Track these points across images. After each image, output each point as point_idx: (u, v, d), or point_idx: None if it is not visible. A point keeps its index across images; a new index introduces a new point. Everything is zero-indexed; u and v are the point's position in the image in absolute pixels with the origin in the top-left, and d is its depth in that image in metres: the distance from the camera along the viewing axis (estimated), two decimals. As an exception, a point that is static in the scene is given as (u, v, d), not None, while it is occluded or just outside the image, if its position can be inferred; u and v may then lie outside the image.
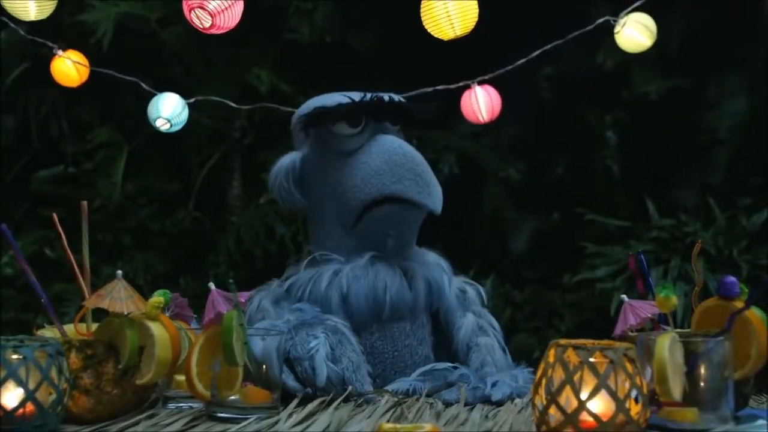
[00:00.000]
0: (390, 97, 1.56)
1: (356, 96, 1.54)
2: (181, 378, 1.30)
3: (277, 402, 1.28)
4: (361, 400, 1.36)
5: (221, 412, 1.24)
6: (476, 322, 1.55)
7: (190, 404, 1.32)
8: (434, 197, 1.51)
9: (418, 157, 1.53)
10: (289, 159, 1.56)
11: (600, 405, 1.08)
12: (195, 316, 1.45)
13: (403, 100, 1.61)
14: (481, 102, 1.76)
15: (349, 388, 1.37)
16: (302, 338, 1.39)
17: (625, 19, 1.67)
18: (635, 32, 1.66)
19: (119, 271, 1.26)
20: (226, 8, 1.51)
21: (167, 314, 1.30)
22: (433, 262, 1.56)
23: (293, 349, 1.38)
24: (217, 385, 1.24)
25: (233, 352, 1.21)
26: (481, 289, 1.61)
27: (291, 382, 1.37)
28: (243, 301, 1.27)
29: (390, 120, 1.58)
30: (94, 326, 1.28)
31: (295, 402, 1.32)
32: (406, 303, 1.50)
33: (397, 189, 1.48)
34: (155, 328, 1.23)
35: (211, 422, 1.22)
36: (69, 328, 1.30)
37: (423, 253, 1.57)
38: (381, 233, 1.51)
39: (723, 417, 1.16)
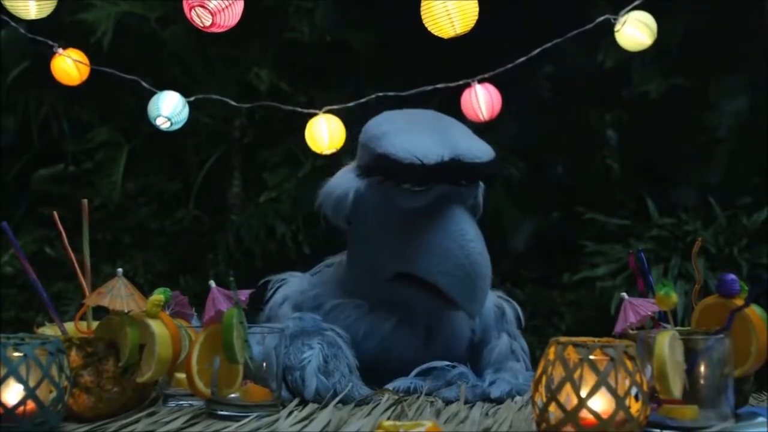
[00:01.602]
0: (470, 152, 1.44)
1: (431, 152, 1.40)
2: (181, 376, 1.30)
3: (278, 400, 1.28)
4: (362, 398, 1.36)
5: (221, 410, 1.24)
6: (510, 345, 1.53)
7: (190, 402, 1.32)
8: (478, 303, 1.43)
9: (479, 256, 1.42)
10: (345, 186, 1.47)
11: (600, 402, 1.08)
12: (195, 314, 1.45)
13: (487, 152, 1.46)
14: (481, 100, 1.77)
15: (341, 395, 1.34)
16: (296, 348, 1.38)
17: (625, 17, 1.67)
18: (635, 31, 1.66)
19: (120, 269, 1.26)
20: (227, 7, 1.51)
21: (167, 312, 1.30)
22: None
23: (286, 358, 1.36)
24: (217, 383, 1.24)
25: (233, 349, 1.21)
26: (519, 309, 1.58)
27: (282, 391, 1.36)
28: (243, 299, 1.27)
29: (465, 180, 1.45)
30: (95, 324, 1.28)
31: (295, 400, 1.32)
32: (417, 361, 1.46)
33: (441, 281, 1.41)
34: (156, 326, 1.23)
35: (212, 420, 1.22)
36: (69, 326, 1.30)
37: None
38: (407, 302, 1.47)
39: (723, 414, 1.16)
